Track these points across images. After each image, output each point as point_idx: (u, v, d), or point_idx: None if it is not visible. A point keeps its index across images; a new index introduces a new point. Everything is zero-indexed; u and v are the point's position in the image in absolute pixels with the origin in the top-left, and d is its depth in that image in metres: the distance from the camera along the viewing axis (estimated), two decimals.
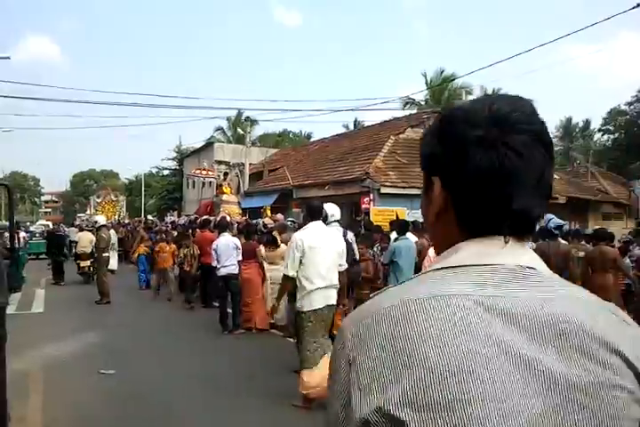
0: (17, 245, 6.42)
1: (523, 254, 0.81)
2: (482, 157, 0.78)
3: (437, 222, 0.87)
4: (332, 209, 6.60)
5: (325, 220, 5.91)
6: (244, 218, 14.49)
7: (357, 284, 8.34)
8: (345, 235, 6.71)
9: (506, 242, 0.80)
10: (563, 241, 8.86)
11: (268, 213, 15.22)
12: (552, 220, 8.77)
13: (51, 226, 27.05)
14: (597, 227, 10.76)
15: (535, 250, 0.84)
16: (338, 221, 6.74)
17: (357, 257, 7.83)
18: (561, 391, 0.69)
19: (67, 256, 17.17)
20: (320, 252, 4.97)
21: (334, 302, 5.14)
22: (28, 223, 28.82)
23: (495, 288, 0.75)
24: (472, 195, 0.80)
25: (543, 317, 0.73)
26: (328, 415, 0.78)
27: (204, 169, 24.15)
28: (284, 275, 5.16)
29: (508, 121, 0.80)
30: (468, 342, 0.69)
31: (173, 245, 12.74)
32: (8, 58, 21.45)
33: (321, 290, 4.92)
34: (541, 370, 0.70)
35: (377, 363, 0.71)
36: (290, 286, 5.24)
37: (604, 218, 21.22)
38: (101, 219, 14.00)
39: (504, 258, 0.79)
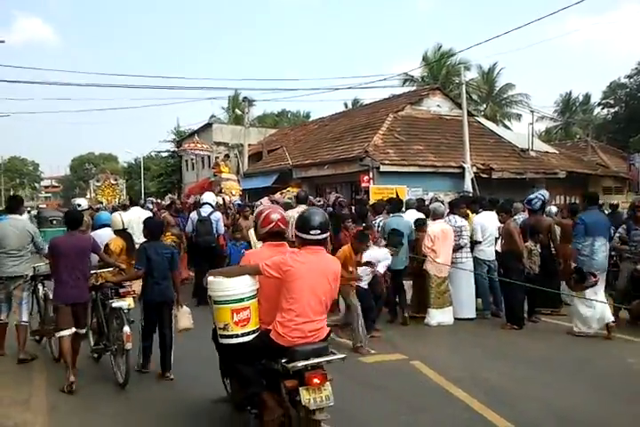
0: None
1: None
2: None
3: None
4: (205, 196, 10.37)
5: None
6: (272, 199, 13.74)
7: None
8: (211, 214, 9.76)
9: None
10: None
11: (292, 189, 14.80)
12: (529, 197, 8.78)
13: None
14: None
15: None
16: (209, 204, 10.01)
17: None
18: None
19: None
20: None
21: None
22: (28, 208, 28.77)
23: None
24: None
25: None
26: None
27: (195, 142, 23.82)
28: None
29: None
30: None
31: None
32: (3, 42, 21.26)
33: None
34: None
35: None
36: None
37: (604, 192, 21.12)
38: (83, 202, 13.29)
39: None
